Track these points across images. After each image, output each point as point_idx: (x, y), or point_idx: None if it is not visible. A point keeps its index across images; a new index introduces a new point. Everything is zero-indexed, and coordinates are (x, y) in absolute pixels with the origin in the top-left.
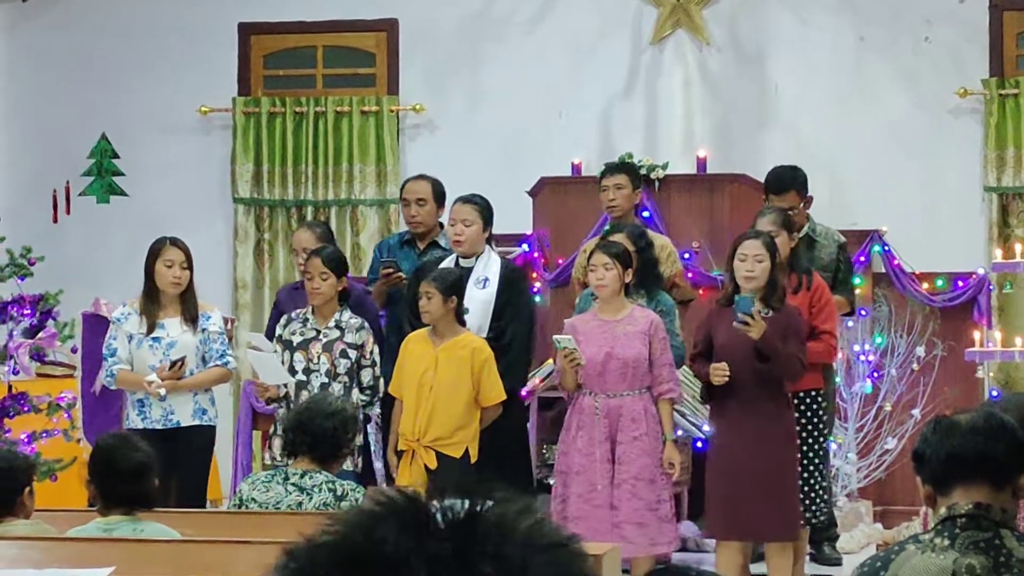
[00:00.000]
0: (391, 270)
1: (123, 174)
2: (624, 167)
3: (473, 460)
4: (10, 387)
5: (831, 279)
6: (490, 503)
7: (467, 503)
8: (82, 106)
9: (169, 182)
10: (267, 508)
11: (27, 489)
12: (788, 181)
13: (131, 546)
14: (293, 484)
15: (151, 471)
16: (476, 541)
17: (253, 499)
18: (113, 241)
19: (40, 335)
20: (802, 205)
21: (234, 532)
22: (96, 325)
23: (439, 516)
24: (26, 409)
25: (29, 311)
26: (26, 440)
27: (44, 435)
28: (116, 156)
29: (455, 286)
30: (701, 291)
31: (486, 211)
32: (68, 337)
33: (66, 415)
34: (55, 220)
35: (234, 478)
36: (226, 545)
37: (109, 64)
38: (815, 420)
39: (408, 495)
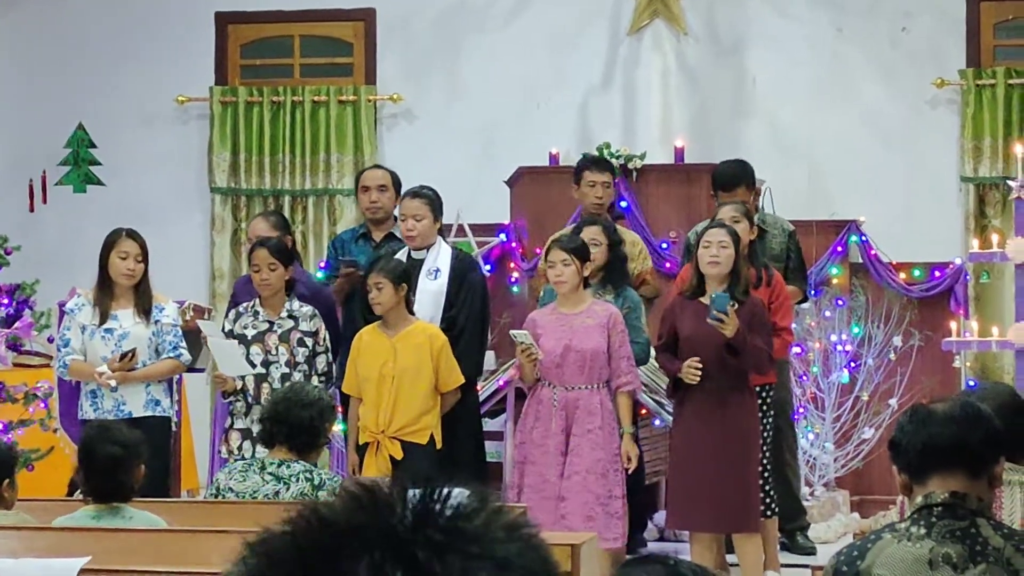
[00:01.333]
0: (352, 269)
1: (100, 163)
2: (609, 165)
3: (439, 446)
4: None
5: (783, 268)
6: (450, 493)
7: (429, 491)
8: (59, 95)
9: (146, 172)
10: (244, 498)
11: (6, 481)
12: (737, 176)
13: (109, 536)
14: (270, 473)
15: (127, 462)
16: (434, 527)
17: (230, 489)
18: (90, 231)
19: (16, 325)
20: (752, 198)
21: (212, 521)
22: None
23: (400, 504)
24: (2, 398)
25: (6, 300)
26: (2, 429)
27: (21, 425)
28: (93, 145)
29: (404, 275)
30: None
31: (436, 203)
32: (45, 327)
33: (43, 405)
34: (32, 209)
35: (211, 468)
36: (204, 534)
37: (86, 53)
38: (764, 412)
39: (369, 485)
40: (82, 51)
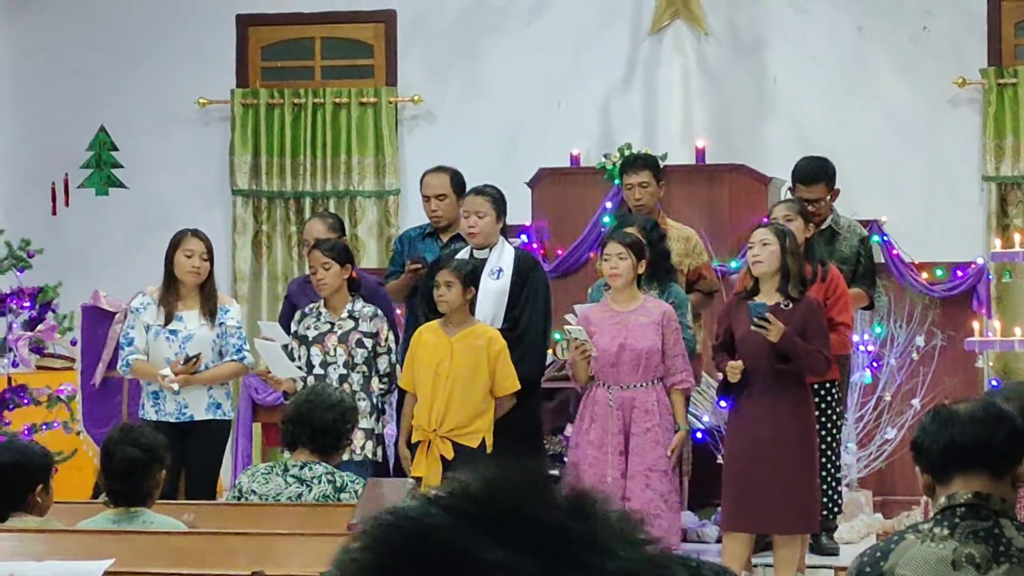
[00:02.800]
0: (419, 266)
1: (122, 166)
2: (647, 162)
3: (489, 450)
4: (10, 379)
5: (851, 272)
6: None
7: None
8: (81, 99)
9: (168, 174)
10: (267, 500)
11: (40, 486)
12: (818, 172)
13: (133, 538)
14: (293, 476)
15: (148, 467)
16: (582, 527)
17: (253, 491)
18: (112, 233)
19: (39, 327)
20: (829, 197)
21: (234, 523)
22: (95, 317)
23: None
24: (26, 401)
25: (28, 303)
26: (26, 432)
27: (44, 427)
28: (115, 148)
29: (474, 276)
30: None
31: (499, 202)
32: (67, 329)
33: (66, 407)
34: (54, 212)
35: (234, 469)
36: (227, 536)
37: (107, 56)
38: (828, 412)
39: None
40: (103, 54)
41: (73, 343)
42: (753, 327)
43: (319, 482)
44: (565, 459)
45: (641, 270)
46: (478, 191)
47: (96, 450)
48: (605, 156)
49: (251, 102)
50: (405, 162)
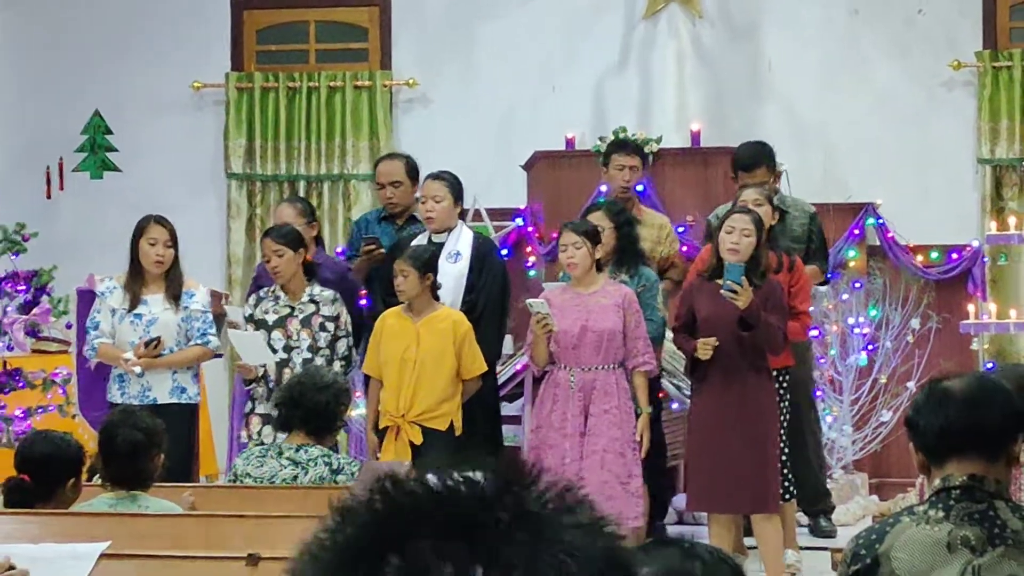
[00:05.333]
0: (373, 247)
1: (116, 150)
2: (639, 149)
3: (458, 433)
4: (5, 363)
5: (803, 250)
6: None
7: (506, 476)
8: (75, 82)
9: (162, 158)
10: (262, 483)
11: (71, 480)
12: (758, 157)
13: (129, 520)
14: (288, 458)
15: (149, 450)
16: (508, 510)
17: (248, 474)
18: (107, 217)
19: (34, 311)
20: (772, 180)
21: (231, 506)
22: (90, 301)
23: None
24: (21, 385)
25: (23, 287)
26: (22, 416)
27: (39, 411)
28: (109, 132)
29: (430, 263)
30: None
31: (456, 186)
32: (62, 313)
33: (61, 391)
34: (48, 196)
35: (230, 453)
36: (223, 519)
37: (102, 40)
38: (783, 396)
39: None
40: (98, 38)
41: (68, 326)
42: (724, 291)
43: (315, 464)
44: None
45: (599, 255)
46: (434, 176)
47: (92, 433)
48: (600, 139)
49: (246, 86)
50: (399, 146)
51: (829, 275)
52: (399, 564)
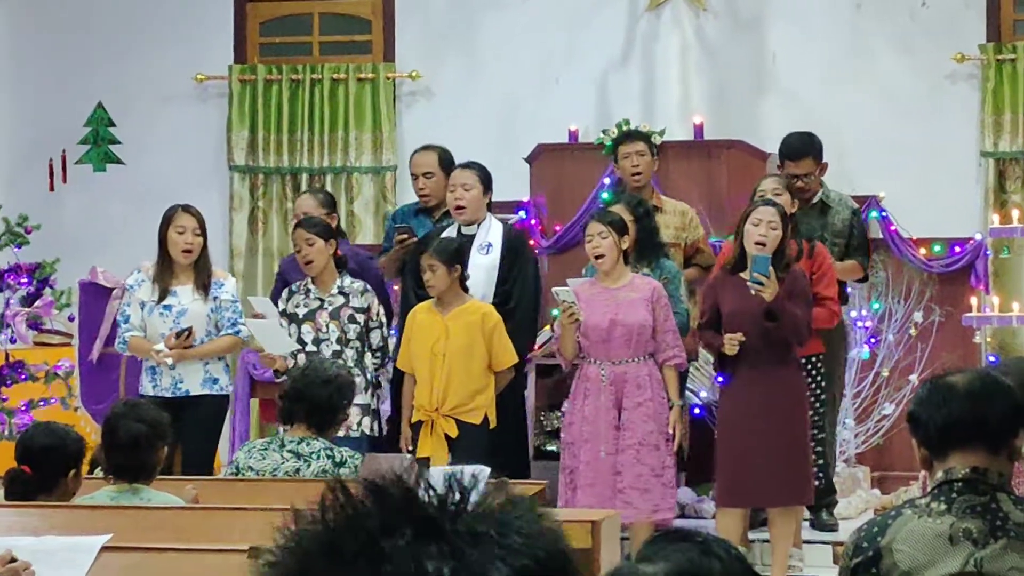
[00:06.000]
0: (406, 236)
1: (119, 142)
2: (642, 135)
3: (492, 426)
4: (7, 355)
5: (844, 245)
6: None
7: (450, 478)
8: (79, 74)
9: (165, 150)
10: (264, 475)
11: (73, 471)
12: (805, 147)
13: (130, 513)
14: (290, 451)
15: (152, 442)
16: (455, 519)
17: (250, 467)
18: (110, 209)
19: (37, 303)
20: (817, 171)
21: (233, 499)
22: (93, 293)
23: (423, 497)
24: (23, 377)
25: (26, 279)
26: (24, 408)
27: (42, 403)
28: (112, 124)
29: (457, 255)
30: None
31: (485, 176)
32: (65, 305)
33: (63, 383)
34: (51, 189)
35: (232, 445)
36: (224, 512)
37: (105, 32)
38: (812, 385)
39: (393, 480)
40: (101, 30)
41: (71, 319)
42: (750, 283)
43: (317, 457)
44: (562, 435)
45: (625, 245)
46: (464, 165)
47: (94, 426)
48: (603, 132)
49: (249, 78)
50: (402, 138)
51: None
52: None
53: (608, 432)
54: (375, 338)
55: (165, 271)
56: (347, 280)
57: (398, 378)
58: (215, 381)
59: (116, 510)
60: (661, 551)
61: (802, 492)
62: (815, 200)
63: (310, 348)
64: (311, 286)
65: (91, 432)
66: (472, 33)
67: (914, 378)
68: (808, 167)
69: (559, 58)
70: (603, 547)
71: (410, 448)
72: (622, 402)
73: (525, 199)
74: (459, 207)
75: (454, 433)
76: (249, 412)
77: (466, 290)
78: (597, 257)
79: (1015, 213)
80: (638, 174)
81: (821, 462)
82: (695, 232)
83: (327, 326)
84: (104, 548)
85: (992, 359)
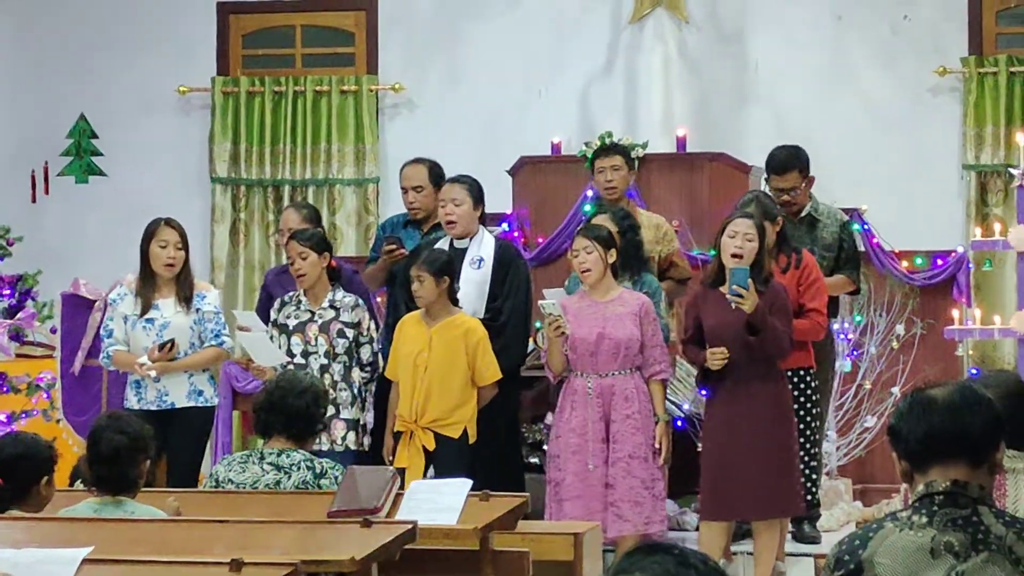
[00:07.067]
0: (394, 247)
1: (102, 154)
2: (619, 149)
3: (472, 440)
4: None
5: (834, 259)
6: None
7: None
8: (61, 86)
9: (148, 162)
10: (244, 488)
11: (44, 479)
12: (791, 161)
13: (111, 526)
14: (270, 463)
15: (134, 455)
16: None
17: (230, 479)
18: (92, 221)
19: (19, 315)
20: (804, 185)
21: (214, 511)
22: (75, 305)
23: None
24: (5, 390)
25: (8, 291)
26: (6, 420)
27: (24, 415)
28: (95, 136)
29: (446, 267)
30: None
31: (476, 190)
32: (47, 317)
33: (45, 395)
34: (33, 200)
35: (214, 458)
36: (206, 524)
37: (88, 44)
38: (802, 400)
39: None
40: (84, 42)
41: (53, 331)
42: (729, 295)
43: (298, 469)
44: (546, 447)
45: (612, 259)
46: (455, 180)
47: (76, 438)
48: (586, 144)
49: (232, 90)
50: (385, 150)
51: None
52: None
53: (596, 445)
54: (365, 353)
55: (147, 285)
56: (339, 294)
57: (382, 389)
58: (200, 393)
59: (98, 522)
60: (638, 563)
61: (788, 504)
62: (803, 214)
63: (299, 360)
64: (303, 298)
65: (73, 444)
66: (455, 46)
67: (896, 390)
68: (794, 181)
69: (542, 71)
70: (585, 560)
71: (391, 458)
72: (610, 415)
73: (508, 211)
74: (450, 222)
75: (431, 446)
76: (231, 424)
77: (456, 303)
78: (583, 272)
79: (997, 226)
80: (612, 188)
81: (816, 476)
82: (669, 245)
83: (316, 339)
84: (85, 560)
85: (974, 372)
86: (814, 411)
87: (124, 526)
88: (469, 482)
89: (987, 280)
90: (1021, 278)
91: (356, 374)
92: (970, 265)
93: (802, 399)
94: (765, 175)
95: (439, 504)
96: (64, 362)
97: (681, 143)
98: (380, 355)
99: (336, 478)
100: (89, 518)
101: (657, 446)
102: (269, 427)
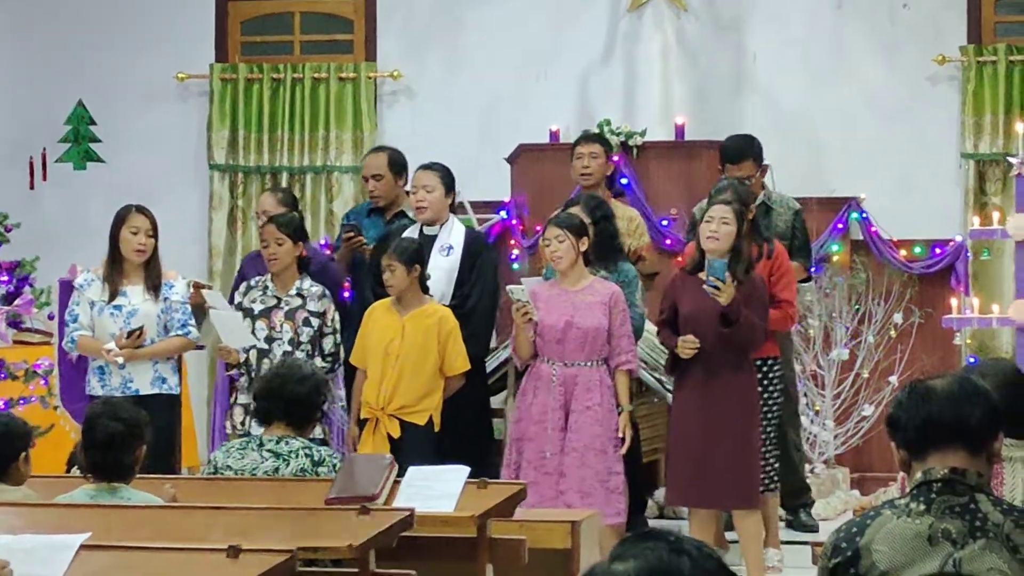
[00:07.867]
0: (352, 234)
1: (100, 141)
2: (598, 137)
3: (436, 429)
4: None
5: (788, 247)
6: None
7: None
8: (59, 73)
9: (146, 149)
10: (243, 474)
11: (23, 455)
12: (745, 150)
13: (108, 512)
14: (269, 450)
15: (129, 441)
16: None
17: (228, 467)
18: (90, 208)
19: (17, 302)
20: (758, 174)
21: (211, 498)
22: (72, 292)
23: None
24: (3, 376)
25: (6, 278)
26: (3, 407)
27: (21, 402)
28: (93, 123)
29: (416, 255)
30: (680, 258)
31: (447, 178)
32: (44, 304)
33: (43, 382)
34: (31, 187)
35: (211, 444)
36: (203, 511)
37: (86, 31)
38: (769, 388)
39: None
40: (82, 28)
41: (50, 317)
42: (706, 286)
43: (296, 456)
44: (509, 430)
45: (584, 247)
46: (427, 166)
47: (74, 425)
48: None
49: (230, 77)
50: (384, 138)
51: (812, 270)
52: None
53: (554, 433)
54: (328, 344)
55: (116, 271)
56: (307, 283)
57: (350, 375)
58: (164, 380)
59: (94, 509)
60: (632, 549)
61: (745, 496)
62: (757, 202)
63: (262, 345)
64: (269, 283)
65: (71, 431)
66: (454, 33)
67: (894, 379)
68: (749, 170)
69: (540, 59)
70: (582, 547)
71: (355, 446)
72: (570, 404)
73: (506, 199)
74: (420, 207)
75: (396, 433)
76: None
77: (426, 290)
78: (554, 260)
79: (995, 215)
80: (588, 174)
81: (777, 464)
82: (639, 239)
83: (281, 325)
84: (82, 547)
85: (972, 360)
86: (780, 400)
87: (121, 512)
88: (467, 469)
89: (985, 269)
90: (1019, 267)
91: (318, 363)
92: (968, 254)
93: (769, 388)
94: (719, 165)
95: (437, 491)
96: (61, 349)
97: (679, 131)
98: (341, 347)
99: (334, 466)
100: (86, 504)
101: (621, 436)
102: (269, 414)
